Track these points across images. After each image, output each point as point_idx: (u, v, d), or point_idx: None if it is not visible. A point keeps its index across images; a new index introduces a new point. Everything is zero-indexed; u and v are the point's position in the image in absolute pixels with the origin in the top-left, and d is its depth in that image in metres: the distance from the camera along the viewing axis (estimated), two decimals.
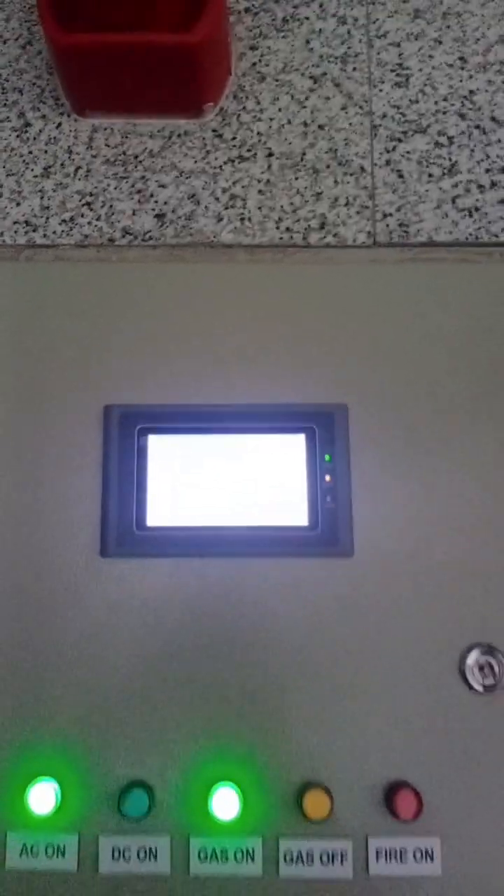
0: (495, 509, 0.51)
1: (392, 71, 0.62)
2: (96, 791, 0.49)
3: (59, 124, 0.62)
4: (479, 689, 0.48)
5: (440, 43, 0.63)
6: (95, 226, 0.60)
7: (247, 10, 0.64)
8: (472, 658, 0.48)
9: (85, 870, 0.48)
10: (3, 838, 0.49)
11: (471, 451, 0.52)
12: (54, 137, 0.62)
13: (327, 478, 0.52)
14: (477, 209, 0.59)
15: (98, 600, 0.51)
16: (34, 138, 0.62)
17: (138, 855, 0.48)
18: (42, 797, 0.48)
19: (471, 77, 0.62)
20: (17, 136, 0.62)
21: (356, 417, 0.53)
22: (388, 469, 0.52)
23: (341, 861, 0.47)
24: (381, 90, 0.62)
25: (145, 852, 0.48)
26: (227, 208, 0.60)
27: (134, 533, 0.51)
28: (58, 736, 0.49)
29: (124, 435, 0.53)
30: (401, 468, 0.52)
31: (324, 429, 0.53)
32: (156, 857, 0.48)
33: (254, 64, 0.62)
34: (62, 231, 0.60)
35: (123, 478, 0.52)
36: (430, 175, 0.60)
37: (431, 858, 0.47)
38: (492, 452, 0.52)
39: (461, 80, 0.62)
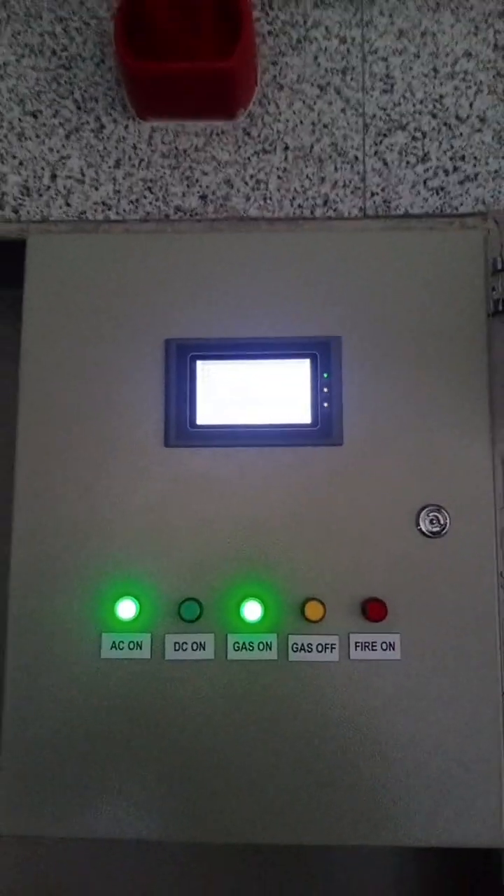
0: (441, 411, 0.71)
1: (381, 80, 0.80)
2: (163, 604, 0.70)
3: (127, 126, 0.82)
4: (430, 534, 0.69)
5: (418, 57, 0.80)
6: (154, 205, 0.80)
7: (269, 32, 0.82)
8: (425, 512, 0.69)
9: (155, 657, 0.70)
10: (99, 638, 0.71)
11: (426, 369, 0.72)
12: (123, 137, 0.81)
13: (325, 390, 0.72)
14: (442, 188, 0.78)
15: (162, 476, 0.72)
16: (108, 137, 0.82)
17: (192, 647, 0.70)
18: (126, 609, 0.70)
19: (441, 84, 0.80)
20: (95, 136, 0.82)
21: (347, 346, 0.73)
22: (368, 383, 0.72)
23: (331, 650, 0.69)
24: (371, 96, 0.80)
25: (197, 644, 0.70)
26: (253, 190, 0.79)
27: (188, 429, 0.72)
28: (136, 569, 0.71)
29: (180, 360, 0.73)
30: (377, 383, 0.72)
31: (323, 354, 0.73)
32: (204, 647, 0.70)
33: (275, 76, 0.81)
34: (130, 209, 0.80)
35: (180, 390, 0.73)
36: (407, 162, 0.79)
37: (393, 648, 0.68)
38: (441, 371, 0.72)
39: (434, 87, 0.80)
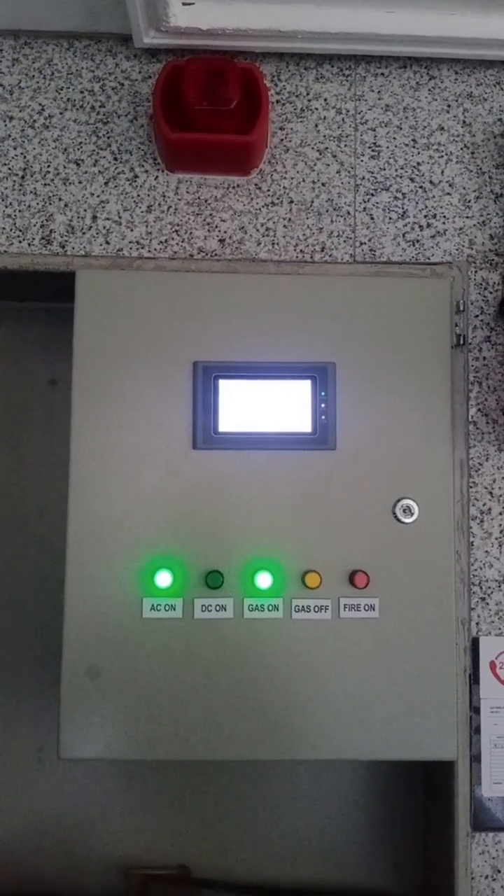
0: (413, 423, 0.90)
1: (369, 147, 0.98)
2: (193, 575, 0.88)
3: (157, 177, 0.97)
4: (403, 521, 0.88)
5: (400, 129, 0.98)
6: (180, 245, 0.96)
7: (277, 101, 0.98)
8: (399, 504, 0.88)
9: (186, 617, 0.88)
10: (141, 601, 0.88)
11: (402, 389, 0.91)
12: (153, 186, 0.97)
13: (322, 405, 0.90)
14: (418, 241, 0.96)
15: (191, 473, 0.90)
16: (141, 186, 0.97)
17: (215, 608, 0.88)
18: (163, 579, 0.88)
19: (418, 153, 0.98)
20: (130, 184, 0.97)
21: (340, 370, 0.91)
22: (357, 400, 0.91)
23: (325, 611, 0.88)
24: (361, 160, 0.97)
25: (219, 606, 0.88)
26: (263, 236, 0.96)
27: (212, 435, 0.90)
28: (171, 547, 0.88)
29: (205, 379, 0.90)
30: (364, 400, 0.91)
31: (321, 376, 0.91)
32: (225, 609, 0.88)
33: (282, 140, 0.98)
34: (160, 248, 0.96)
35: (205, 403, 0.90)
36: (390, 218, 0.96)
37: (373, 609, 0.88)
38: (414, 390, 0.91)
39: (413, 155, 0.98)
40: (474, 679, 0.91)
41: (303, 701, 0.87)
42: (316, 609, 0.88)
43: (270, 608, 0.88)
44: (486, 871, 0.89)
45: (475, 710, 0.91)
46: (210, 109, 0.87)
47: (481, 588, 0.92)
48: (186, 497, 0.89)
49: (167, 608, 0.88)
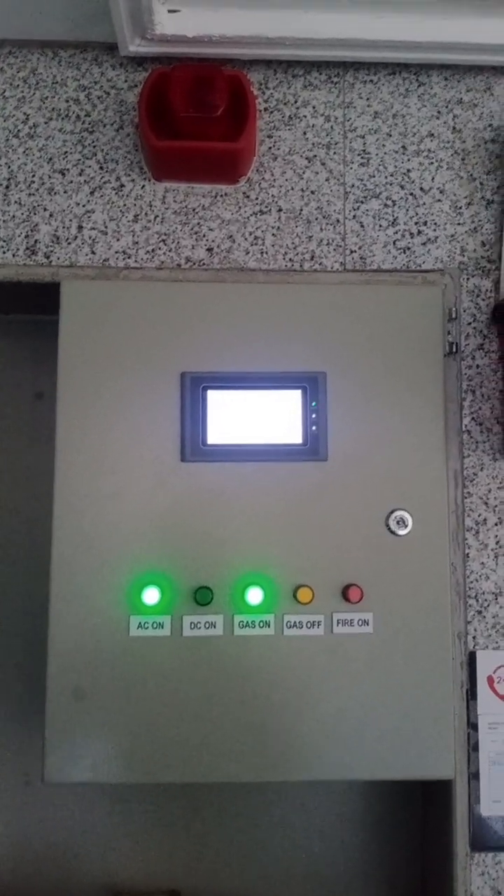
0: (406, 433, 0.88)
1: (359, 155, 0.96)
2: (181, 591, 0.86)
3: (143, 186, 0.96)
4: (397, 533, 0.86)
5: (390, 136, 0.97)
6: (168, 255, 0.95)
7: (265, 109, 0.97)
8: (393, 515, 0.86)
9: (175, 634, 0.86)
10: (128, 619, 0.86)
11: (394, 399, 0.89)
12: (140, 195, 0.96)
13: (313, 415, 0.89)
14: (408, 248, 0.95)
15: (179, 486, 0.87)
16: (127, 195, 0.96)
17: (205, 625, 0.86)
18: (151, 596, 0.86)
19: (408, 160, 0.96)
20: (116, 193, 0.96)
21: (331, 380, 0.89)
22: (349, 410, 0.89)
23: (318, 626, 0.86)
24: (351, 168, 0.96)
25: (209, 623, 0.86)
26: (252, 245, 0.95)
27: (200, 447, 0.88)
28: (159, 562, 0.86)
29: (193, 389, 0.88)
30: (356, 410, 0.89)
31: (312, 386, 0.89)
32: (215, 626, 0.86)
33: (269, 148, 0.96)
34: (146, 258, 0.95)
35: (193, 415, 0.88)
36: (380, 225, 0.95)
37: (367, 624, 0.86)
38: (406, 400, 0.89)
39: (402, 162, 0.96)
40: (472, 694, 0.89)
41: (296, 720, 0.85)
42: (308, 625, 0.86)
43: (261, 625, 0.86)
44: (485, 892, 0.86)
45: (473, 726, 0.89)
46: (196, 116, 0.86)
47: (477, 601, 0.90)
48: (174, 511, 0.87)
49: (155, 626, 0.86)
